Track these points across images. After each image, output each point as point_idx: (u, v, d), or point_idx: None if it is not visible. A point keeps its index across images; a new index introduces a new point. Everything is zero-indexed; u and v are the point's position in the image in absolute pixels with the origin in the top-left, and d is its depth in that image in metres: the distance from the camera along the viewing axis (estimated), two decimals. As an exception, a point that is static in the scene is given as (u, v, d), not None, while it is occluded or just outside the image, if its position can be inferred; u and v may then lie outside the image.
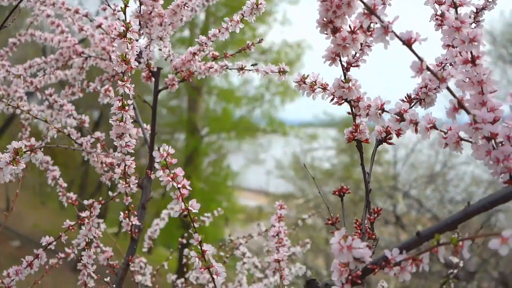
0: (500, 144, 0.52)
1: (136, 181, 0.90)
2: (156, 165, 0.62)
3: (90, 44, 1.25)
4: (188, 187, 0.63)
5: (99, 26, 1.05)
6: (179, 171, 0.63)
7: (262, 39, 1.02)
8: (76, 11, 1.10)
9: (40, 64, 1.21)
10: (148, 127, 1.11)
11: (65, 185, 1.10)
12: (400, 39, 0.51)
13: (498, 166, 0.51)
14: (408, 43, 0.51)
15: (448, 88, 0.52)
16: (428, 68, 0.51)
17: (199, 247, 0.65)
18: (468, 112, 0.51)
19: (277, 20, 10.74)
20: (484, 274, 5.91)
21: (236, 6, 10.44)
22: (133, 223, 0.97)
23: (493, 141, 0.53)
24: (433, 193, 6.75)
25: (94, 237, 0.96)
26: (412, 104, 0.69)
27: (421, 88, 0.68)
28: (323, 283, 0.58)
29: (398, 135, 0.67)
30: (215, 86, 12.21)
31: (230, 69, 0.98)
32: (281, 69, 0.84)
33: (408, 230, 6.17)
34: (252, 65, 0.94)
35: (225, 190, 10.96)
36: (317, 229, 7.13)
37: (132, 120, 1.05)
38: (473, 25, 0.72)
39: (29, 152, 0.66)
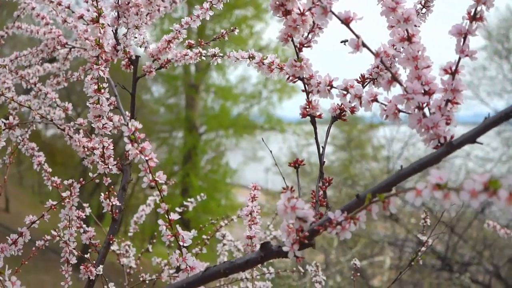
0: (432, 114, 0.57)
1: (115, 162, 0.95)
2: (125, 139, 0.67)
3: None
4: (156, 160, 0.68)
5: (81, 17, 1.09)
6: (147, 145, 0.68)
7: (235, 28, 1.06)
8: (59, 3, 1.15)
9: (26, 55, 1.26)
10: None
11: (50, 170, 1.14)
12: (339, 19, 0.56)
13: (428, 133, 0.56)
14: (346, 22, 0.56)
15: (383, 63, 0.57)
16: (363, 44, 0.56)
17: (166, 216, 0.70)
18: (401, 84, 0.56)
19: (274, 18, 10.71)
20: (479, 267, 5.97)
21: (232, 4, 10.47)
22: (114, 203, 1.02)
23: (427, 110, 0.58)
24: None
25: (77, 217, 1.02)
26: (366, 83, 0.74)
27: (373, 68, 0.73)
28: (276, 245, 0.63)
29: (352, 112, 0.72)
30: (213, 84, 12.26)
31: (204, 56, 1.03)
32: (251, 55, 0.89)
33: (402, 223, 6.23)
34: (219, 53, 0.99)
35: (224, 188, 11.01)
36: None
37: (114, 107, 1.10)
38: (424, 10, 0.77)
39: (7, 130, 0.71)
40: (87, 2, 1.15)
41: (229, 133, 12.25)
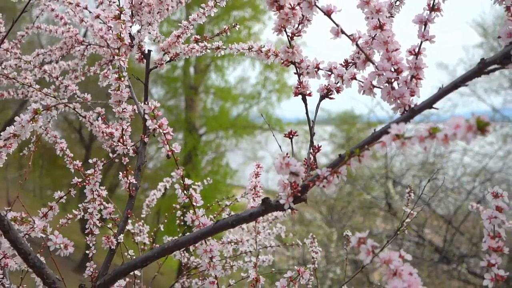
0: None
1: (132, 143, 1.08)
2: (146, 116, 0.80)
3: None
4: (172, 133, 0.81)
5: (97, 16, 1.22)
6: (164, 121, 0.81)
7: (236, 24, 1.19)
8: (77, 5, 1.28)
9: (47, 52, 1.39)
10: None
11: (71, 155, 1.27)
12: (322, 11, 0.69)
13: (396, 102, 0.69)
14: (328, 13, 0.69)
15: (358, 46, 0.70)
16: (342, 31, 0.69)
17: (182, 181, 0.83)
18: (373, 63, 0.69)
19: (272, 18, 10.87)
20: (476, 259, 6.09)
21: (229, 6, 10.60)
22: (131, 181, 1.15)
23: (396, 84, 0.71)
24: (425, 181, 6.94)
25: (98, 195, 1.15)
26: (349, 67, 0.87)
27: (354, 53, 0.86)
28: (275, 200, 0.76)
29: (337, 91, 0.85)
30: (212, 85, 12.39)
31: (208, 49, 1.16)
32: (250, 46, 1.02)
33: (399, 216, 6.35)
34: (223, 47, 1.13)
35: (224, 188, 11.11)
36: (315, 224, 7.31)
37: (128, 97, 1.23)
38: (397, 2, 0.89)
39: (45, 111, 0.84)
40: (102, 3, 1.29)
41: (229, 133, 12.37)
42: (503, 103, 9.12)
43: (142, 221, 1.68)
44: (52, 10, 1.38)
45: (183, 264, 1.58)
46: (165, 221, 1.71)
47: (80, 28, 1.43)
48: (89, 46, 1.37)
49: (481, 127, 0.45)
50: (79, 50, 1.40)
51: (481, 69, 0.62)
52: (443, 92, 0.65)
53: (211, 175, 11.47)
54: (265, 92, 12.24)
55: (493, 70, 0.63)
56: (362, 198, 6.66)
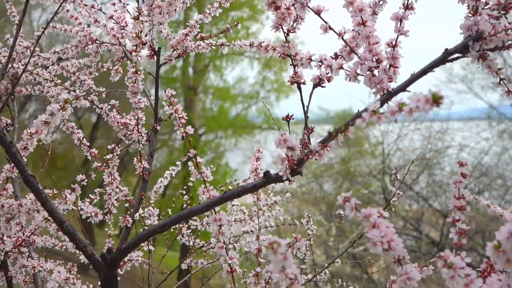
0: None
1: (146, 131, 1.21)
2: (163, 103, 0.92)
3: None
4: (185, 117, 0.93)
5: (111, 17, 1.35)
6: (179, 107, 0.93)
7: (238, 23, 1.32)
8: (92, 6, 1.40)
9: (63, 50, 1.51)
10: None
11: (88, 143, 1.39)
12: (313, 10, 0.82)
13: (376, 87, 0.81)
14: (318, 12, 0.82)
15: (343, 40, 0.82)
16: (330, 28, 0.81)
17: (194, 160, 0.95)
18: (356, 54, 0.82)
19: (269, 18, 10.97)
20: (472, 251, 6.24)
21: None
22: (144, 166, 1.27)
23: (376, 72, 0.84)
24: (422, 177, 7.09)
25: (114, 179, 1.27)
26: (338, 58, 0.99)
27: (343, 47, 0.98)
28: (275, 173, 0.88)
29: (328, 80, 0.98)
30: (211, 85, 12.52)
31: (214, 46, 1.29)
32: (251, 43, 1.14)
33: (397, 211, 6.49)
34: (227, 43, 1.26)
35: (224, 188, 11.23)
36: (315, 223, 7.45)
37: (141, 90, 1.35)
38: (381, 1, 1.02)
39: (75, 100, 0.96)
40: (114, 4, 1.41)
41: (228, 133, 12.48)
42: (500, 100, 9.27)
43: (152, 204, 1.81)
44: (68, 11, 1.50)
45: (190, 246, 1.70)
46: (173, 205, 1.83)
47: (94, 29, 1.56)
48: (102, 44, 1.50)
49: (436, 100, 0.58)
50: (92, 48, 1.52)
51: (445, 57, 0.75)
52: (414, 78, 0.77)
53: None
54: (263, 91, 12.37)
55: (456, 59, 0.76)
56: (360, 193, 6.80)
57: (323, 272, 1.66)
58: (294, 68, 0.94)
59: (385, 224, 0.70)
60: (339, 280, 1.72)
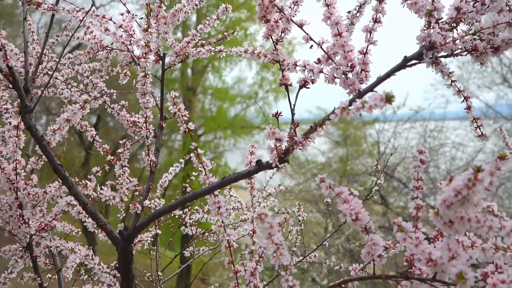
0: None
1: (154, 128, 1.36)
2: (169, 103, 1.07)
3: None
4: (187, 115, 1.09)
5: (120, 26, 1.50)
6: (182, 106, 1.09)
7: (235, 30, 1.48)
8: (103, 16, 1.56)
9: (76, 56, 1.67)
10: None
11: (100, 141, 1.55)
12: (296, 24, 0.97)
13: (349, 88, 0.97)
14: (300, 25, 0.97)
15: (322, 49, 0.98)
16: (311, 38, 0.97)
17: (196, 151, 1.11)
18: (333, 60, 0.98)
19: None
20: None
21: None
22: (152, 159, 1.43)
23: (350, 75, 0.99)
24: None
25: (124, 171, 1.43)
26: (320, 63, 1.15)
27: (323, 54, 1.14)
28: (266, 161, 1.03)
29: (312, 82, 1.13)
30: (210, 86, 12.67)
31: (213, 52, 1.44)
32: (246, 49, 1.30)
33: (391, 207, 6.66)
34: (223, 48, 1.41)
35: (224, 188, 11.37)
36: (315, 223, 7.60)
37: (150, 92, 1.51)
38: (358, 14, 1.18)
39: (93, 100, 1.11)
40: (122, 14, 1.57)
41: (227, 134, 12.63)
42: (496, 99, 9.43)
43: (158, 194, 1.96)
44: (81, 20, 1.66)
45: (192, 235, 1.85)
46: (177, 196, 1.98)
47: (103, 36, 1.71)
48: (112, 51, 1.65)
49: (388, 99, 0.74)
50: (103, 54, 1.67)
51: (404, 63, 0.91)
52: (379, 80, 0.93)
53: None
54: (262, 92, 12.52)
55: (414, 64, 0.92)
56: (356, 190, 6.94)
57: (313, 254, 1.81)
58: (282, 72, 1.10)
59: (354, 200, 0.85)
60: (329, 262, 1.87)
